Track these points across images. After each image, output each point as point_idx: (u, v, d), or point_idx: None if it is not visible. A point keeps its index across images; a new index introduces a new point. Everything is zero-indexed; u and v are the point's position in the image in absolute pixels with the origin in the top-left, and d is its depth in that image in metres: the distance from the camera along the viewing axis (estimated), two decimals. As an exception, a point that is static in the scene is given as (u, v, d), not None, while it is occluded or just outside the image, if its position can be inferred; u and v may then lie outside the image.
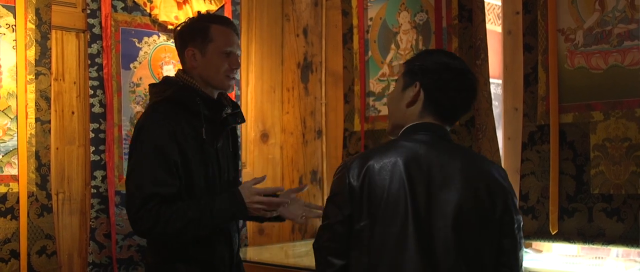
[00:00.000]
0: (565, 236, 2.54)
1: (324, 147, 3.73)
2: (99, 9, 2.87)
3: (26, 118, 2.65)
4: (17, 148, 2.63)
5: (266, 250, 3.33)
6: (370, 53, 3.29)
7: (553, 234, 2.55)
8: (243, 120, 2.44)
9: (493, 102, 2.84)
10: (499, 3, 3.11)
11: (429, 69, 1.75)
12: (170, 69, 3.05)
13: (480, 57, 2.84)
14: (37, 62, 2.69)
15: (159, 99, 2.25)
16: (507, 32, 2.89)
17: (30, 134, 2.66)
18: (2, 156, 2.60)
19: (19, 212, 2.61)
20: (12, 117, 2.63)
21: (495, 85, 3.17)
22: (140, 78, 2.99)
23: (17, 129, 2.63)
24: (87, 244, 2.83)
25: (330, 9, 3.70)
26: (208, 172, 2.24)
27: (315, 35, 3.72)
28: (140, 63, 3.00)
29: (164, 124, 2.17)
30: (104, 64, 2.87)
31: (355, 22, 3.34)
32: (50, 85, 2.75)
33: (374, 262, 1.67)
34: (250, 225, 3.41)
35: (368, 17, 3.30)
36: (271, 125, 3.60)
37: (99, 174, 2.85)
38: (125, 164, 2.86)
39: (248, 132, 3.47)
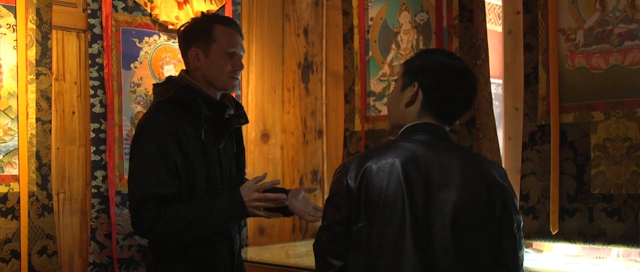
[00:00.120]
0: (566, 235, 2.54)
1: (325, 147, 3.73)
2: (100, 9, 2.88)
3: (27, 118, 2.66)
4: (18, 148, 2.63)
5: (267, 250, 3.33)
6: (370, 53, 3.29)
7: (554, 234, 2.55)
8: (246, 122, 2.42)
9: (493, 102, 2.84)
10: (500, 3, 3.11)
11: (428, 69, 1.74)
12: (171, 69, 3.05)
13: (481, 57, 2.84)
14: (38, 62, 2.70)
15: (162, 99, 2.24)
16: (508, 32, 2.89)
17: (31, 134, 2.66)
18: (3, 156, 2.61)
19: (19, 212, 2.61)
20: (12, 117, 2.63)
21: (496, 85, 3.17)
22: (141, 78, 2.99)
23: (18, 129, 2.63)
24: (87, 244, 2.84)
25: (331, 8, 3.70)
26: (209, 173, 2.24)
27: (315, 35, 3.72)
28: (140, 63, 3.00)
29: (167, 124, 2.16)
30: (104, 64, 2.88)
31: (355, 22, 3.34)
32: (51, 85, 2.75)
33: (372, 263, 1.67)
34: (251, 225, 3.41)
35: (368, 17, 3.30)
36: (272, 125, 3.60)
37: (99, 174, 2.85)
38: (125, 164, 2.86)
39: (249, 132, 3.47)
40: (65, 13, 2.83)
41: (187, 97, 2.23)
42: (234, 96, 2.51)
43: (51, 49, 2.75)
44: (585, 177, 2.50)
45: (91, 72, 2.87)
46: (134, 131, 2.35)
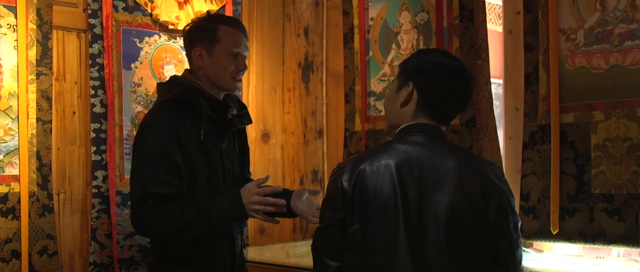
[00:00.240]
0: (566, 235, 2.54)
1: (325, 147, 3.73)
2: (100, 9, 2.88)
3: (27, 118, 2.66)
4: (18, 148, 2.63)
5: (267, 250, 3.33)
6: (371, 53, 3.29)
7: (554, 234, 2.55)
8: (250, 122, 2.42)
9: (494, 102, 2.84)
10: (500, 3, 3.11)
11: (423, 69, 1.74)
12: (172, 69, 3.05)
13: (481, 57, 2.84)
14: (38, 62, 2.70)
15: (165, 98, 2.25)
16: (508, 32, 2.89)
17: (32, 134, 2.66)
18: (3, 156, 2.61)
19: (20, 212, 2.61)
20: (13, 117, 2.63)
21: (496, 85, 3.17)
22: (141, 78, 2.99)
23: (18, 129, 2.64)
24: (88, 244, 2.84)
25: (331, 8, 3.70)
26: (211, 173, 2.24)
27: (316, 35, 3.72)
28: (141, 63, 3.00)
29: (168, 123, 2.16)
30: (105, 64, 2.88)
31: (356, 22, 3.34)
32: (52, 85, 2.75)
33: (366, 265, 1.66)
34: (251, 225, 3.41)
35: (369, 17, 3.30)
36: (272, 125, 3.60)
37: (100, 174, 2.85)
38: (126, 164, 2.86)
39: (249, 132, 3.47)
40: (65, 13, 2.83)
41: (190, 97, 2.23)
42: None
43: (52, 49, 2.75)
44: (586, 177, 2.50)
45: (92, 72, 2.87)
46: (134, 131, 2.35)
